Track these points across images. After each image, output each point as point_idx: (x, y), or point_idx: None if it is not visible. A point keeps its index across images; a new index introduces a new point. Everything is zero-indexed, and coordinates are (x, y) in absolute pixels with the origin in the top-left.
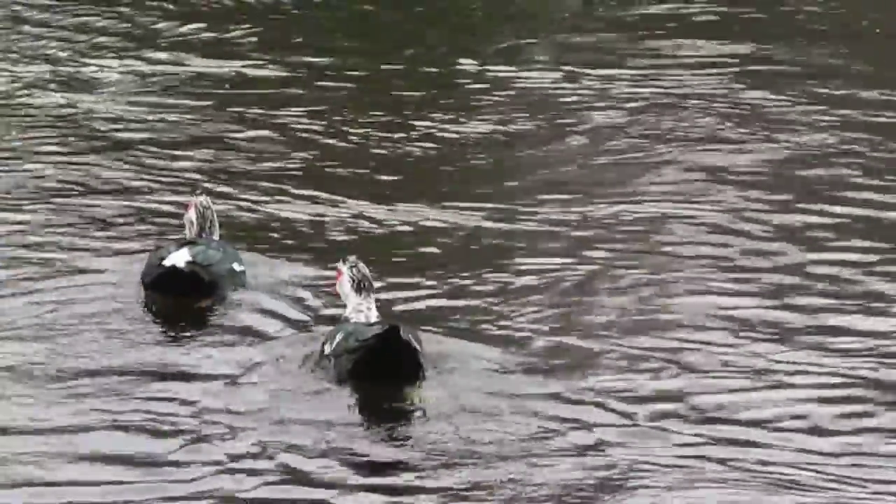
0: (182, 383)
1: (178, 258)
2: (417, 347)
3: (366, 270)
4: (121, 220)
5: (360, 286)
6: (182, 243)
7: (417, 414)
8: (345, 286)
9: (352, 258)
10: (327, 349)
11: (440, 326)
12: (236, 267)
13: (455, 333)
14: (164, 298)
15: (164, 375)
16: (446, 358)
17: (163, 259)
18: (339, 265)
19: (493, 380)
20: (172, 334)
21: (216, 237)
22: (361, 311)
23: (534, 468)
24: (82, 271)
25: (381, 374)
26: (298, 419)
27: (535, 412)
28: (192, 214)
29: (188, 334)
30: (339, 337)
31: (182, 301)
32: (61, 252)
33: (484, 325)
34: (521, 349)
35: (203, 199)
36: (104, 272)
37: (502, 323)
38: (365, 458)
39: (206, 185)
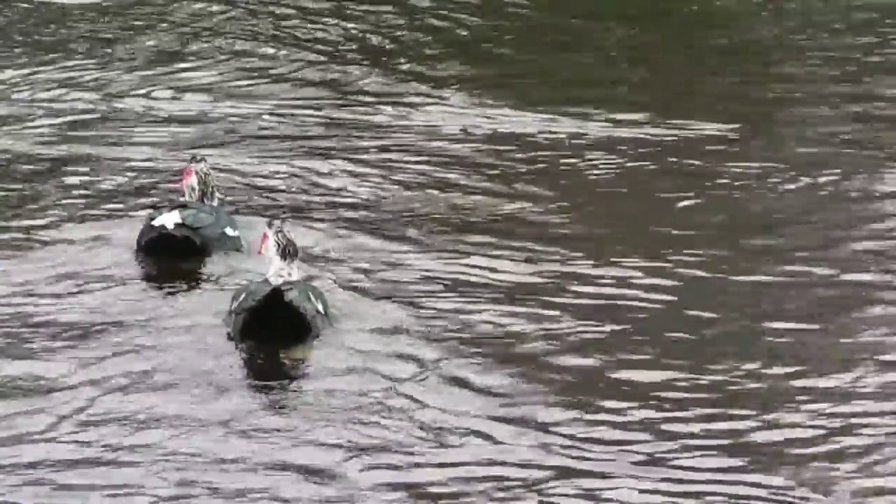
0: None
1: (168, 220)
2: (302, 309)
3: (291, 236)
4: (122, 188)
5: (286, 252)
6: (174, 206)
7: (295, 373)
8: (269, 250)
9: (277, 223)
10: (233, 306)
11: (365, 290)
12: (229, 231)
13: (381, 298)
14: (156, 260)
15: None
16: (359, 319)
17: (153, 221)
18: (266, 229)
19: (391, 343)
20: (141, 288)
21: (215, 203)
22: (282, 276)
23: (404, 426)
24: (87, 238)
25: (268, 333)
26: (182, 370)
27: (422, 375)
28: (192, 181)
29: (156, 286)
30: (242, 295)
31: (172, 261)
32: (65, 220)
33: (416, 297)
34: (436, 320)
35: (202, 166)
36: (106, 237)
37: (437, 296)
38: (231, 410)
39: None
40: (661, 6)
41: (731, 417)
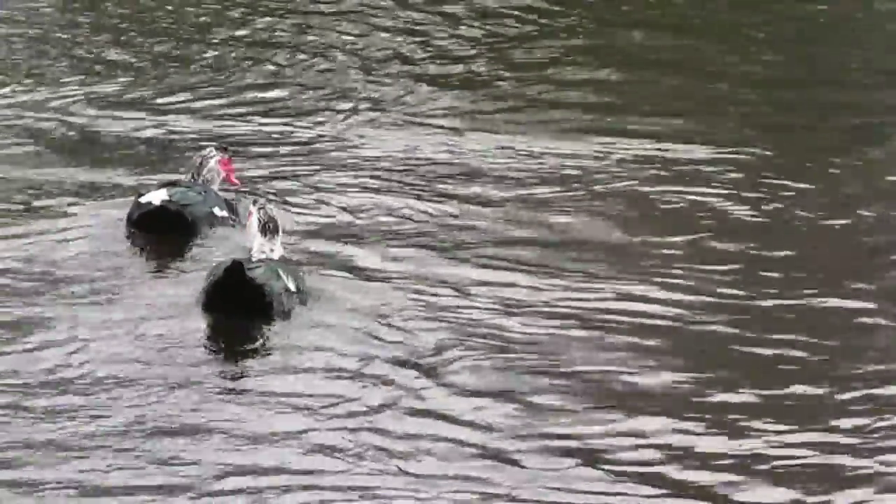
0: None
1: (156, 197)
2: (267, 286)
3: (274, 213)
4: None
5: (266, 228)
6: (162, 184)
7: (255, 348)
8: (252, 227)
9: (262, 200)
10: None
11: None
12: (217, 211)
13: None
14: (143, 235)
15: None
16: (336, 302)
17: (141, 198)
18: (250, 206)
19: (360, 326)
20: (124, 263)
21: (214, 187)
22: (264, 252)
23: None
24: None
25: (230, 307)
26: (149, 343)
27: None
28: (195, 161)
29: (139, 262)
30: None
31: (158, 238)
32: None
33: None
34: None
35: (208, 150)
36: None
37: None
38: (184, 380)
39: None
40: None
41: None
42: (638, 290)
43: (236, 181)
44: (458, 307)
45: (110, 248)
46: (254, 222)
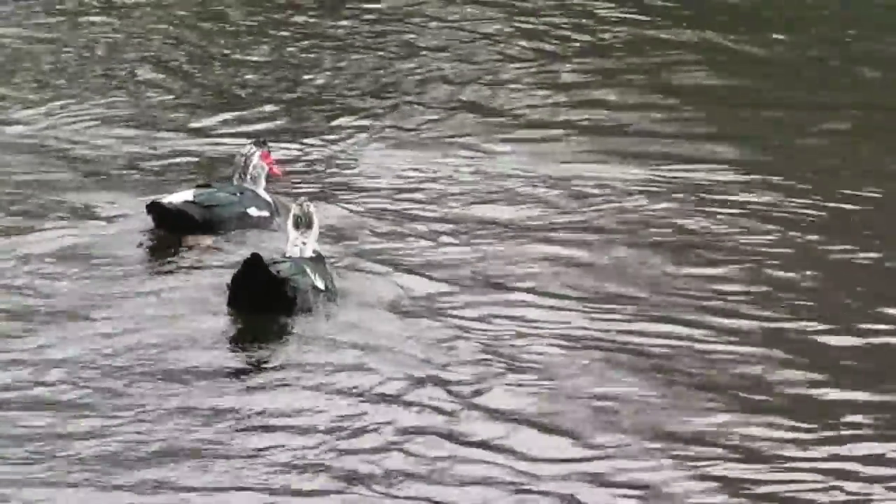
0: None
1: (178, 197)
2: (285, 278)
3: (310, 209)
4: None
5: (298, 222)
6: (197, 185)
7: (274, 341)
8: (289, 222)
9: (303, 198)
10: None
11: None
12: (253, 211)
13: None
14: (169, 234)
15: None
16: (363, 299)
17: (163, 198)
18: (291, 204)
19: (387, 324)
20: (151, 263)
21: (256, 186)
22: (297, 245)
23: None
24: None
25: (251, 303)
26: (172, 335)
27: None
28: (238, 161)
29: (166, 262)
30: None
31: (184, 237)
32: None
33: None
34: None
35: (247, 149)
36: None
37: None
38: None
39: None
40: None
41: None
42: (679, 318)
43: (278, 171)
44: (492, 328)
45: (137, 247)
46: (290, 218)
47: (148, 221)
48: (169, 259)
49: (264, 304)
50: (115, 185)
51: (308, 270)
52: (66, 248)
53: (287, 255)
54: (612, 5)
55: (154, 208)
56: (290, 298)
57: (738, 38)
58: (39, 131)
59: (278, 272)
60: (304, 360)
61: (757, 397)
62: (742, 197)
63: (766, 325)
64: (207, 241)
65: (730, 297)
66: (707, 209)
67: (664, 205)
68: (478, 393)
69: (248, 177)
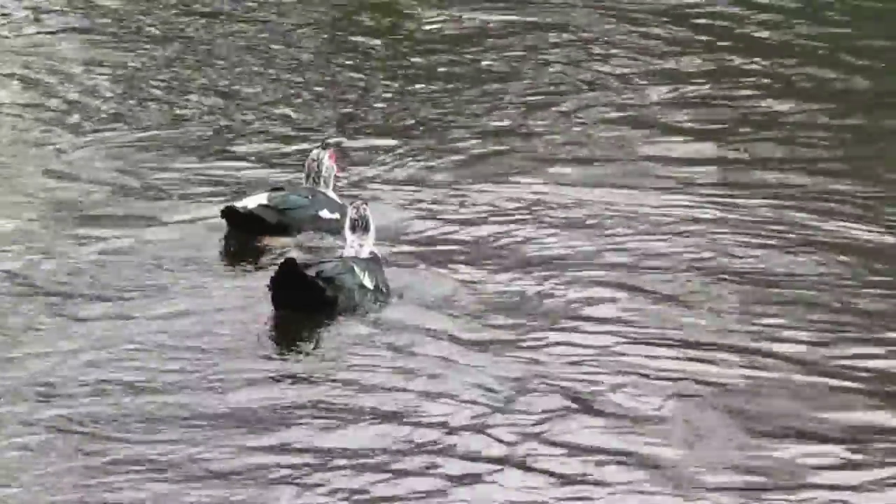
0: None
1: (252, 201)
2: (317, 279)
3: (365, 212)
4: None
5: (355, 225)
6: (269, 189)
7: (316, 342)
8: (346, 225)
9: (359, 201)
10: None
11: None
12: (325, 214)
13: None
14: (244, 236)
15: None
16: (418, 299)
17: (238, 202)
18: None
19: (437, 325)
20: (217, 263)
21: (326, 188)
22: (353, 247)
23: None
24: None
25: (291, 302)
26: (217, 335)
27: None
28: (305, 165)
29: (232, 264)
30: None
31: (258, 238)
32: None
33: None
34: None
35: (316, 152)
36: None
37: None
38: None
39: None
40: None
41: None
42: (749, 349)
43: (339, 170)
44: (553, 340)
45: (206, 248)
46: (347, 221)
47: (222, 225)
48: (235, 260)
49: (304, 304)
50: (190, 193)
51: (357, 270)
52: (140, 250)
53: (342, 256)
54: (682, 29)
55: (229, 212)
56: (329, 297)
57: (818, 68)
58: (117, 144)
59: (321, 272)
60: (345, 359)
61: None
62: (815, 228)
63: (834, 354)
64: (283, 242)
65: (800, 330)
66: (777, 240)
67: (732, 236)
68: (529, 416)
69: (322, 179)
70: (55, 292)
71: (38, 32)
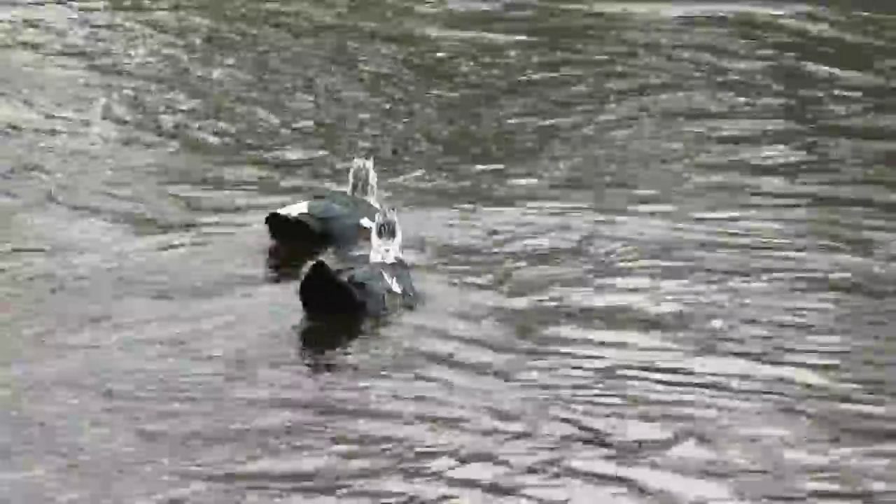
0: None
1: (294, 209)
2: (347, 283)
3: (393, 218)
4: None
5: (381, 230)
6: (313, 196)
7: (345, 344)
8: (373, 231)
9: (386, 207)
10: None
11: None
12: (365, 222)
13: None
14: (285, 244)
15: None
16: (445, 305)
17: (280, 209)
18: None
19: (462, 332)
20: (254, 267)
21: (369, 197)
22: (379, 252)
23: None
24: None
25: (321, 306)
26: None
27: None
28: (350, 175)
29: (265, 269)
30: None
31: (302, 246)
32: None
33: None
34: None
35: (361, 162)
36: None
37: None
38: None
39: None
40: None
41: None
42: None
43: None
44: (572, 361)
45: (249, 255)
46: (375, 227)
47: (263, 233)
48: (275, 266)
49: (333, 307)
50: (234, 201)
51: (385, 275)
52: (186, 254)
53: (370, 261)
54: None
55: (272, 220)
56: (357, 301)
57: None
58: (160, 153)
59: (352, 277)
60: (371, 361)
61: None
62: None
63: None
64: (323, 249)
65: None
66: (860, 252)
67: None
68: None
69: (369, 188)
70: (104, 292)
71: (98, 40)
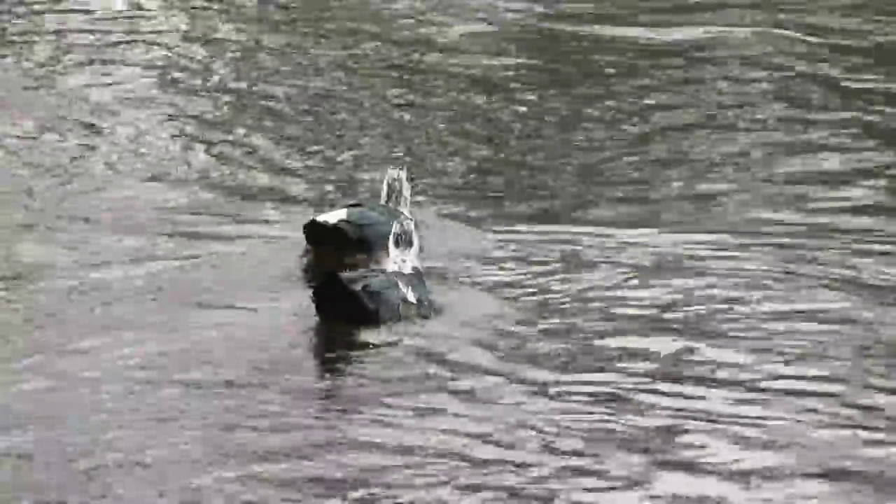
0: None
1: (332, 217)
2: (358, 293)
3: (410, 228)
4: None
5: (398, 240)
6: (348, 205)
7: (356, 353)
8: (390, 240)
9: (403, 216)
10: None
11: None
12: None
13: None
14: (322, 251)
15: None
16: (461, 315)
17: (318, 217)
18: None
19: (479, 340)
20: (289, 273)
21: (402, 207)
22: (396, 263)
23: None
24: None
25: (334, 314)
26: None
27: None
28: (384, 185)
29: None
30: None
31: (335, 254)
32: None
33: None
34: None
35: (395, 172)
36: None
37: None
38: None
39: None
40: None
41: None
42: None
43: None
44: (587, 380)
45: (283, 262)
46: (391, 236)
47: (300, 240)
48: (301, 273)
49: (346, 315)
50: (271, 208)
51: (400, 284)
52: (223, 261)
53: (387, 269)
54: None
55: (311, 227)
56: (370, 310)
57: None
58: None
59: (366, 286)
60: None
61: None
62: None
63: None
64: (359, 258)
65: None
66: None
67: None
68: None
69: (403, 198)
70: (138, 299)
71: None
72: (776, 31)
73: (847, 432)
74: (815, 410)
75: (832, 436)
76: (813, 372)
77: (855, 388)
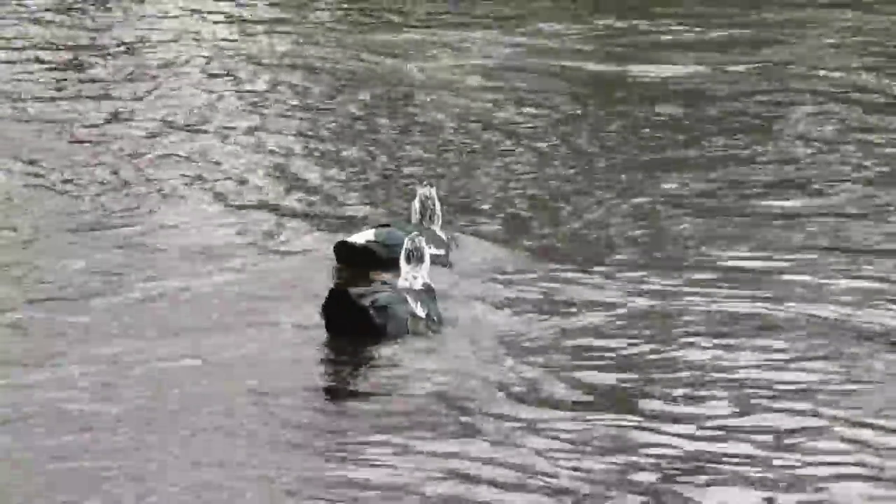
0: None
1: (361, 237)
2: (366, 308)
3: (421, 244)
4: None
5: (409, 256)
6: (377, 226)
7: (366, 366)
8: (401, 256)
9: (414, 233)
10: None
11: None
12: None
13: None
14: (349, 270)
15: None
16: (471, 331)
17: (349, 237)
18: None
19: (487, 357)
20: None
21: (434, 226)
22: (407, 279)
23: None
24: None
25: (343, 329)
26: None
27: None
28: (415, 203)
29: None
30: None
31: (363, 273)
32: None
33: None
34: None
35: (427, 191)
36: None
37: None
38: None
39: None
40: None
41: None
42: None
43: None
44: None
45: (311, 278)
46: (404, 252)
47: (330, 258)
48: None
49: (354, 330)
50: (300, 228)
51: (410, 299)
52: (252, 280)
53: (397, 286)
54: None
55: (341, 247)
56: (378, 325)
57: None
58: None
59: (375, 301)
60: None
61: None
62: None
63: None
64: (387, 276)
65: None
66: None
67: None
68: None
69: (435, 216)
70: (167, 315)
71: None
72: None
73: (857, 472)
74: (825, 452)
75: (836, 474)
76: (825, 412)
77: (876, 431)
